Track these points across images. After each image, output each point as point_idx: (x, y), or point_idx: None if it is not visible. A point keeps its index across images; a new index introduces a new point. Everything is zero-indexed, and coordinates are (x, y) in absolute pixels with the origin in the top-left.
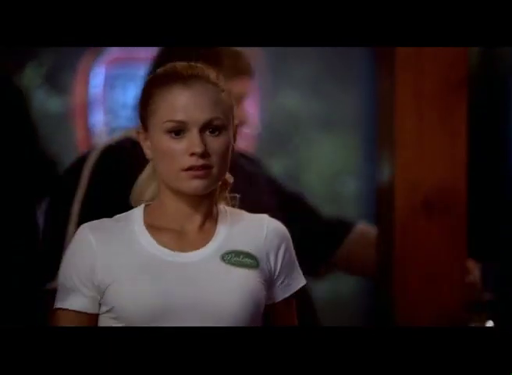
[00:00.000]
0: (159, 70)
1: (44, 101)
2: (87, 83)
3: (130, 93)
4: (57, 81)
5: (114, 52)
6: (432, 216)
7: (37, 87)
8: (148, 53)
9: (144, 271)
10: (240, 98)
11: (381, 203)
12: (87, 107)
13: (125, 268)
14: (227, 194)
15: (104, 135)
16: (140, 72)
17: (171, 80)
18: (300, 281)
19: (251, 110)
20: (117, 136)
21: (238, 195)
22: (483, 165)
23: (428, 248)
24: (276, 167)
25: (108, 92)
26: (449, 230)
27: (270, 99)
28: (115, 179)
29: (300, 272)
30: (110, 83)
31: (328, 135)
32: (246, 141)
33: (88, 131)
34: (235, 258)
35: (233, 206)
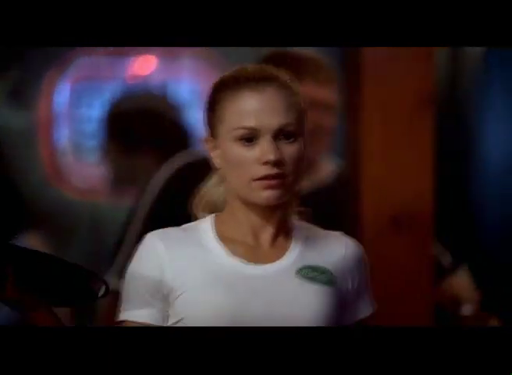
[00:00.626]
0: (226, 73)
1: (8, 118)
2: (51, 99)
3: (95, 109)
4: (21, 97)
5: (79, 69)
6: (399, 230)
7: (1, 103)
8: (114, 71)
9: (216, 282)
10: (324, 108)
11: (348, 218)
12: (51, 123)
13: (196, 278)
14: (298, 208)
15: (69, 151)
16: (106, 88)
17: (240, 83)
18: (370, 308)
19: None
20: (195, 152)
21: (310, 209)
22: (450, 179)
23: (395, 262)
24: None
25: (73, 108)
26: (417, 245)
27: None
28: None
29: (372, 298)
30: (75, 99)
31: None
32: None
33: (53, 147)
34: (311, 273)
35: (307, 221)
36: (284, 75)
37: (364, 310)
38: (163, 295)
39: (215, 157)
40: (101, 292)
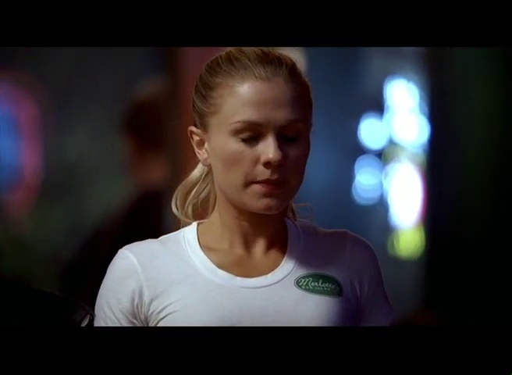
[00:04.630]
0: (225, 54)
1: None
2: None
3: None
4: None
5: None
6: None
7: None
8: None
9: (204, 301)
10: None
11: None
12: None
13: (180, 298)
14: (294, 205)
15: None
16: None
17: (244, 68)
18: (389, 314)
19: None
20: None
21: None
22: None
23: None
24: None
25: None
26: None
27: None
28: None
29: (389, 302)
30: None
31: None
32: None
33: None
34: (313, 283)
35: (311, 219)
36: (291, 60)
37: (381, 319)
38: (141, 321)
39: (203, 152)
40: (85, 322)
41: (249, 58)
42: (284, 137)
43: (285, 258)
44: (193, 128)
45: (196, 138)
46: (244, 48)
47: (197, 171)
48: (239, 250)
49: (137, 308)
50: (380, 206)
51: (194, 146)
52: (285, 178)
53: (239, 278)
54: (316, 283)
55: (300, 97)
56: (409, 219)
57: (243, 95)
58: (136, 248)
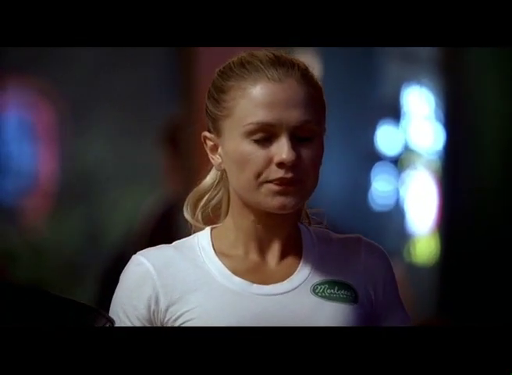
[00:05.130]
0: (236, 58)
1: None
2: None
3: None
4: None
5: None
6: None
7: None
8: None
9: (220, 308)
10: None
11: None
12: None
13: (197, 305)
14: (308, 210)
15: None
16: None
17: (255, 70)
18: (404, 320)
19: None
20: None
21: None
22: None
23: None
24: None
25: None
26: None
27: None
28: None
29: (405, 307)
30: None
31: None
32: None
33: None
34: (329, 290)
35: (319, 223)
36: (303, 63)
37: (396, 324)
38: (155, 325)
39: (217, 158)
40: None
41: (261, 60)
42: (297, 138)
43: (300, 265)
44: (206, 133)
45: (210, 143)
46: (256, 52)
47: (209, 178)
48: (254, 256)
49: (154, 314)
50: (396, 213)
51: (208, 151)
52: (299, 177)
53: (255, 285)
54: (332, 290)
55: (313, 98)
56: (425, 225)
57: (256, 97)
58: (150, 254)
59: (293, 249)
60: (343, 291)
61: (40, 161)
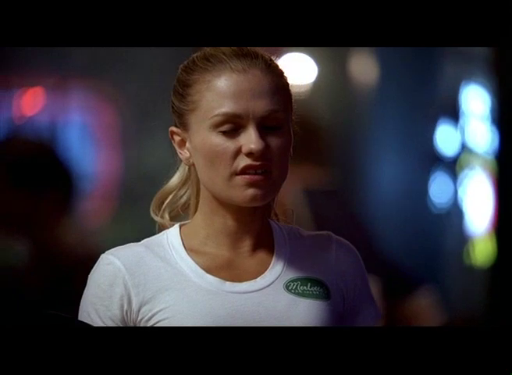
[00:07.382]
0: (200, 53)
1: None
2: None
3: None
4: None
5: None
6: None
7: None
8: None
9: (194, 307)
10: None
11: None
12: None
13: (170, 305)
14: (275, 207)
15: None
16: None
17: (219, 62)
18: (375, 315)
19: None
20: None
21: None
22: None
23: None
24: None
25: None
26: None
27: None
28: None
29: (376, 302)
30: None
31: None
32: None
33: None
34: (302, 286)
35: (288, 223)
36: (266, 54)
37: (368, 320)
38: (127, 325)
39: (185, 152)
40: None
41: (224, 53)
42: (265, 127)
43: (273, 261)
44: (173, 128)
45: (177, 138)
46: (219, 47)
47: (176, 177)
48: (226, 252)
49: (127, 314)
50: (454, 214)
51: (176, 146)
52: (268, 167)
53: (228, 283)
54: (305, 287)
55: (279, 88)
56: (483, 227)
57: (221, 88)
58: (121, 252)
59: (264, 245)
60: (315, 288)
61: (103, 164)
